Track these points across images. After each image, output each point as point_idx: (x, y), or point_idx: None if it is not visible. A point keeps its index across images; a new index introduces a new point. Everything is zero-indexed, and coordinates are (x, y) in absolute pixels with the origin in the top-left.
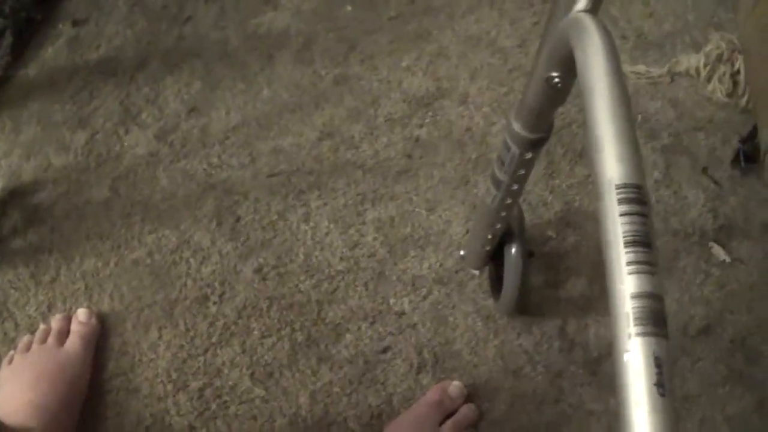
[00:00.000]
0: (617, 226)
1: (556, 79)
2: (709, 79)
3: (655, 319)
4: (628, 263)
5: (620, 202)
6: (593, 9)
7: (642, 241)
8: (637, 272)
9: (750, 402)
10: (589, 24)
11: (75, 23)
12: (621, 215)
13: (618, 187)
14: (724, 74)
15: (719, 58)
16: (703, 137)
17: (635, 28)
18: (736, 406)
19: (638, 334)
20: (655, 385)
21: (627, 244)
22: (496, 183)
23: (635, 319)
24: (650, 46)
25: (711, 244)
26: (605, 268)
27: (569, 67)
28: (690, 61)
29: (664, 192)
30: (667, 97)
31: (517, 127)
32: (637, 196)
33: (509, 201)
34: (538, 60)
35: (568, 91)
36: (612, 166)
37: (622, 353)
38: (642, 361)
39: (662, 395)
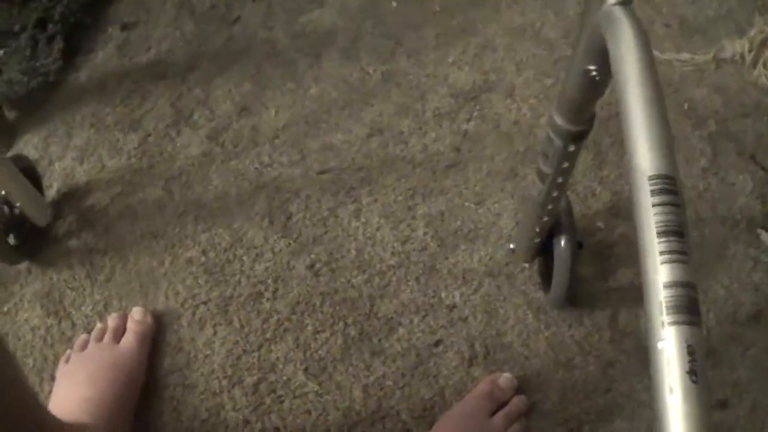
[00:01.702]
0: (650, 217)
1: (594, 72)
2: (754, 65)
3: (689, 307)
4: (661, 253)
5: (653, 193)
6: (626, 1)
7: (674, 231)
8: (670, 261)
9: None
10: (621, 16)
11: (124, 27)
12: (654, 206)
13: (651, 178)
14: None
15: (764, 43)
16: (750, 123)
17: (679, 15)
18: None
19: (671, 323)
20: (687, 372)
21: (660, 234)
22: (542, 176)
23: (668, 307)
24: (694, 33)
25: (759, 230)
26: (639, 258)
27: (606, 59)
28: (735, 46)
29: (711, 179)
30: (712, 84)
31: (559, 119)
32: (669, 187)
33: (556, 194)
34: (575, 53)
35: (606, 84)
36: (644, 157)
37: (656, 341)
38: (675, 349)
39: (695, 383)
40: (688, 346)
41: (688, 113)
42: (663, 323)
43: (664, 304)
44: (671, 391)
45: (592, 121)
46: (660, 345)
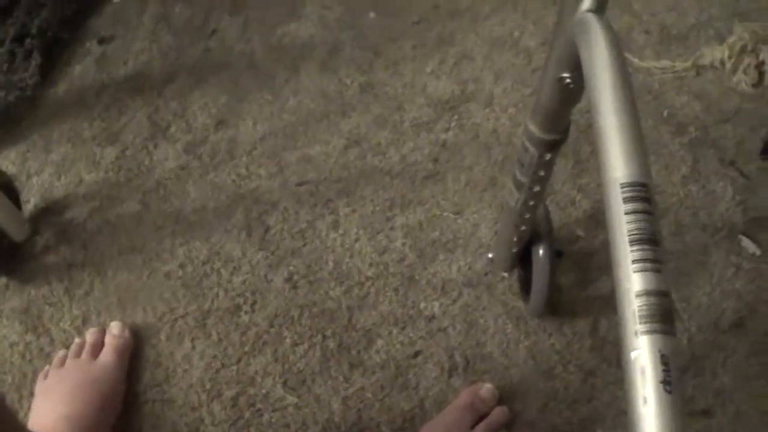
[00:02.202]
0: (622, 225)
1: (568, 80)
2: (734, 71)
3: (662, 316)
4: (634, 261)
5: (625, 200)
6: (598, 9)
7: (647, 239)
8: (643, 270)
9: None
10: (594, 23)
11: (101, 41)
12: (626, 213)
13: (623, 185)
14: (749, 65)
15: (743, 50)
16: (731, 129)
17: (659, 22)
18: None
19: (645, 332)
20: (661, 382)
21: (633, 242)
22: (518, 185)
23: (641, 316)
24: (674, 40)
25: (741, 237)
26: (612, 266)
27: (579, 66)
28: (714, 53)
29: (692, 187)
30: (692, 91)
31: (533, 128)
32: (642, 195)
33: (532, 203)
34: (549, 61)
35: (580, 91)
36: (617, 165)
37: (629, 351)
38: (649, 359)
39: (669, 392)
40: (662, 356)
41: (668, 120)
42: (636, 332)
43: (637, 313)
44: (645, 401)
45: (567, 130)
46: (633, 354)
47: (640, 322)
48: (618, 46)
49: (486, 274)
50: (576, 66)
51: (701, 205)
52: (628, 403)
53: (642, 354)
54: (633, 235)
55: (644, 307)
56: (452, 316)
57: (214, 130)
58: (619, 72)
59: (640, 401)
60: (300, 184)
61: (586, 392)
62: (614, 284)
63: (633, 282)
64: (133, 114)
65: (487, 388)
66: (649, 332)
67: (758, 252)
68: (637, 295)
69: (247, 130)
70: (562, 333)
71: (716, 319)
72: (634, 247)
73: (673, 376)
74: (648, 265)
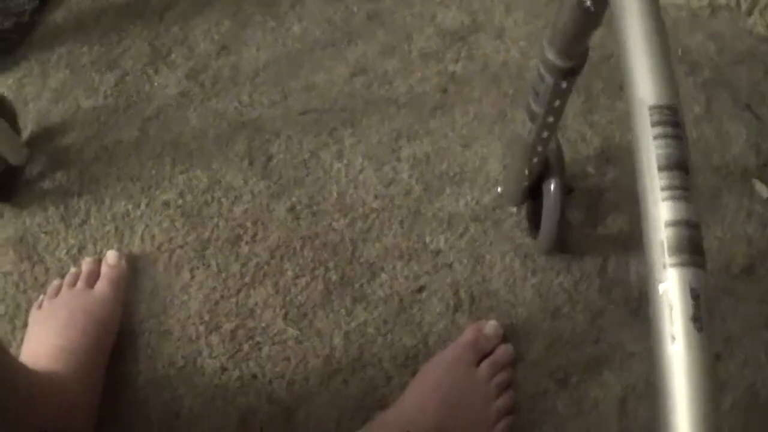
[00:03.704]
0: (650, 150)
1: (588, 2)
2: (749, 12)
3: (692, 248)
4: (663, 188)
5: (653, 124)
6: None
7: (677, 165)
8: (672, 198)
9: None
10: None
11: None
12: (655, 138)
13: (651, 108)
14: (765, 7)
15: None
16: (745, 71)
17: None
18: None
19: (674, 264)
20: (691, 319)
21: (661, 168)
22: (532, 115)
23: (670, 248)
24: None
25: (753, 180)
26: (639, 195)
27: None
28: None
29: (705, 128)
30: (707, 31)
31: (550, 54)
32: (671, 118)
33: (546, 134)
34: None
35: (601, 15)
36: (645, 87)
37: (656, 284)
38: (678, 293)
39: (699, 330)
40: (692, 290)
41: (682, 59)
42: (665, 264)
43: (665, 244)
44: (673, 339)
45: (585, 56)
46: (661, 288)
47: (669, 254)
48: None
49: (494, 209)
50: None
51: (714, 147)
52: (653, 341)
53: (670, 288)
54: (662, 160)
55: (673, 238)
56: (458, 251)
57: (216, 57)
58: None
59: (667, 339)
60: (304, 113)
61: (592, 334)
62: (640, 213)
63: (661, 211)
64: (133, 40)
65: (491, 325)
66: (678, 264)
67: None
68: (666, 225)
69: (250, 57)
70: (570, 272)
71: (727, 264)
72: (663, 174)
73: (703, 312)
74: (678, 192)
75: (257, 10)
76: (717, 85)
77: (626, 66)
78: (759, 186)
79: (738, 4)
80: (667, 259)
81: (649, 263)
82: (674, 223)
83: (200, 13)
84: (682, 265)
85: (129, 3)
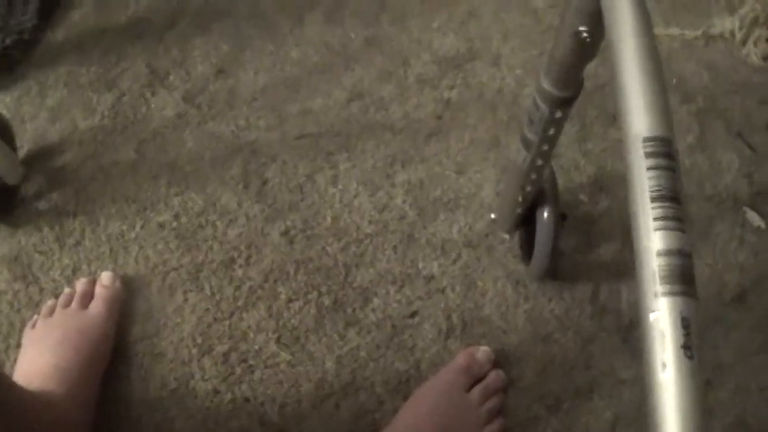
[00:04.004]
0: (644, 181)
1: (585, 34)
2: (744, 42)
3: (684, 277)
4: (655, 219)
5: (647, 155)
6: None
7: (670, 196)
8: (665, 228)
9: None
10: None
11: None
12: (648, 169)
13: (645, 140)
14: (759, 37)
15: (755, 21)
16: (739, 101)
17: None
18: None
19: (665, 293)
20: (682, 347)
21: (654, 199)
22: (526, 143)
23: (662, 277)
24: (684, 9)
25: (745, 209)
26: (631, 224)
27: (598, 20)
28: (725, 23)
29: (698, 156)
30: (701, 60)
31: (546, 84)
32: (664, 150)
33: (540, 162)
34: (566, 14)
35: (597, 46)
36: (639, 119)
37: (648, 313)
38: (669, 322)
39: (690, 358)
40: (683, 319)
41: (677, 88)
42: (656, 293)
43: (657, 274)
44: (664, 366)
45: (581, 86)
46: (652, 317)
47: (661, 283)
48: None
49: (487, 236)
50: (594, 20)
51: (707, 176)
52: (645, 369)
53: (662, 316)
54: (655, 191)
55: (665, 267)
56: (451, 277)
57: (214, 79)
58: (644, 25)
59: (658, 367)
60: (300, 137)
61: (583, 360)
62: (633, 243)
63: (654, 240)
64: (132, 60)
65: (483, 351)
66: (669, 294)
67: (763, 225)
68: (658, 255)
69: (248, 80)
70: (562, 299)
71: (718, 292)
72: (656, 204)
73: (694, 340)
74: (670, 223)
75: (256, 33)
76: (710, 114)
77: (621, 97)
78: (751, 215)
79: (732, 34)
80: (659, 288)
81: (641, 292)
82: (666, 253)
83: (199, 36)
84: (673, 294)
85: (129, 23)
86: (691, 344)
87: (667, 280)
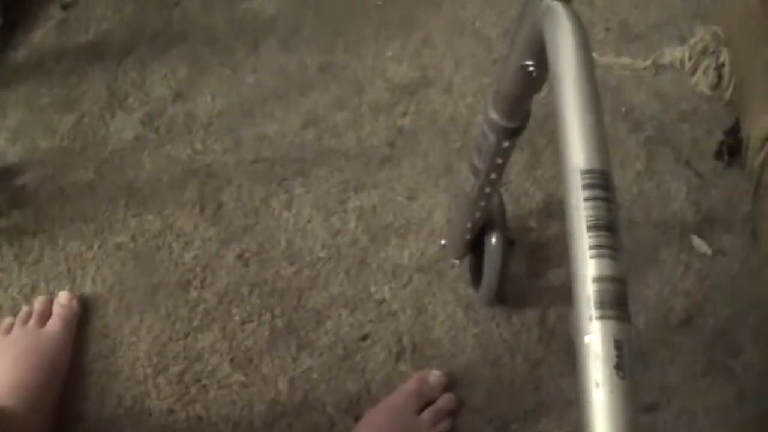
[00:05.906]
0: (581, 211)
1: (531, 68)
2: (693, 72)
3: (617, 302)
4: (591, 247)
5: (585, 187)
6: None
7: (605, 226)
8: (599, 256)
9: (730, 393)
10: (561, 12)
11: (64, 6)
12: (585, 200)
13: (583, 172)
14: (708, 67)
15: (704, 51)
16: (687, 129)
17: (620, 20)
18: (716, 398)
19: (599, 318)
20: (615, 367)
21: (590, 228)
22: (475, 171)
23: (596, 302)
24: (635, 38)
25: (692, 236)
26: (569, 252)
27: (543, 55)
28: (675, 53)
29: (646, 184)
30: (651, 89)
31: (493, 114)
32: (601, 182)
33: (488, 190)
34: (513, 47)
35: (543, 80)
36: (577, 152)
37: (583, 336)
38: (602, 344)
39: (621, 378)
40: (616, 341)
41: (626, 117)
42: (591, 317)
43: (592, 299)
44: (597, 385)
45: (528, 118)
46: (587, 339)
47: (595, 308)
48: (585, 35)
49: (438, 261)
50: (540, 55)
51: (654, 203)
52: (579, 388)
53: (595, 339)
54: (591, 221)
55: (599, 293)
56: (402, 301)
57: (171, 103)
58: (585, 62)
59: (592, 385)
60: (255, 162)
61: (532, 382)
62: (570, 269)
63: (589, 267)
64: (92, 82)
65: (435, 375)
66: (603, 318)
67: (709, 252)
68: (593, 281)
69: (205, 104)
70: (511, 323)
71: (665, 316)
72: (592, 233)
73: (626, 361)
74: (605, 251)
75: (213, 58)
76: (659, 142)
77: (561, 130)
78: (697, 242)
79: (682, 63)
80: (593, 312)
81: (577, 315)
82: (600, 279)
83: (158, 59)
84: (606, 318)
85: (90, 45)
86: (623, 365)
87: (601, 305)
